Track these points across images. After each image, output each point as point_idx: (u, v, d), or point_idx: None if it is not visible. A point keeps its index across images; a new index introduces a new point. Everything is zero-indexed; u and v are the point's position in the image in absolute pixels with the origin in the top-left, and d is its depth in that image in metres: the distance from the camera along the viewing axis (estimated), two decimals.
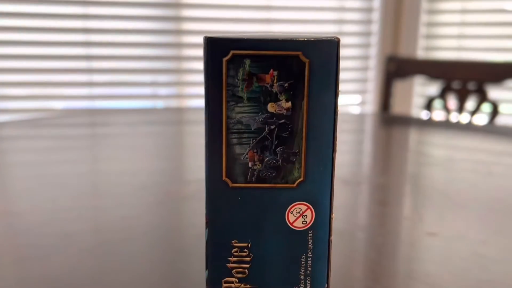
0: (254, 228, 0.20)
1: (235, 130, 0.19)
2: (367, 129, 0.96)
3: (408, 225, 0.42)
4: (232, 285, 0.20)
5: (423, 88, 1.73)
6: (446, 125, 1.00)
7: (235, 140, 0.19)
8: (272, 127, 0.19)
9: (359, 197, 0.51)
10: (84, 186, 0.51)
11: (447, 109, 1.25)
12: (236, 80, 0.18)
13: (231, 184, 0.19)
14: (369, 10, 1.72)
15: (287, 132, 0.19)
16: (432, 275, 0.32)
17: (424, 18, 1.69)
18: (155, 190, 0.50)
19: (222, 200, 0.20)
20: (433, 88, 1.42)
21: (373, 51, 1.74)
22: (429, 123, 1.01)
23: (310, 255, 0.20)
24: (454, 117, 1.23)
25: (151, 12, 1.52)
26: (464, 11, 1.66)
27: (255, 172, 0.19)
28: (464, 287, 0.31)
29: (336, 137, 0.19)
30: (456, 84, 1.23)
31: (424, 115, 1.28)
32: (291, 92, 0.18)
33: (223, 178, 0.19)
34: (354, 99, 1.80)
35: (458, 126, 0.98)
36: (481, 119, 1.22)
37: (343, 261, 0.34)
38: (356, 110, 1.79)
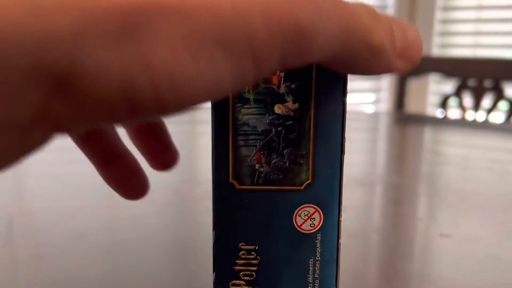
0: (262, 231, 0.19)
1: (241, 132, 0.19)
2: (381, 128, 0.96)
3: (422, 226, 0.41)
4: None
5: (438, 86, 1.71)
6: (461, 123, 0.99)
7: (242, 142, 0.19)
8: (279, 128, 0.18)
9: (372, 197, 0.50)
10: (96, 186, 0.52)
11: (462, 107, 1.24)
12: None
13: (238, 186, 0.19)
14: (383, 7, 1.71)
15: (294, 134, 0.18)
16: (445, 277, 0.32)
17: (439, 15, 1.67)
18: (167, 190, 0.50)
19: (229, 202, 0.19)
20: (449, 86, 1.40)
21: None
22: (444, 122, 1.00)
23: (319, 258, 0.20)
24: (470, 115, 1.22)
25: None
26: (479, 8, 1.64)
27: (262, 174, 0.19)
28: None
29: (345, 138, 0.19)
30: (472, 82, 1.21)
31: (439, 113, 1.27)
32: (298, 93, 0.18)
33: (230, 180, 0.19)
34: (368, 97, 1.79)
35: (474, 125, 0.97)
36: (497, 117, 1.20)
37: (356, 262, 0.34)
38: (370, 109, 1.78)
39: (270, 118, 0.18)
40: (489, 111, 1.19)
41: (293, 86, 0.18)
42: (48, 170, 0.59)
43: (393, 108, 1.30)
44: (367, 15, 0.15)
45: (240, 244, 0.20)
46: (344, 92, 0.18)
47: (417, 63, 0.17)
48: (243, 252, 0.20)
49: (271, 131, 0.19)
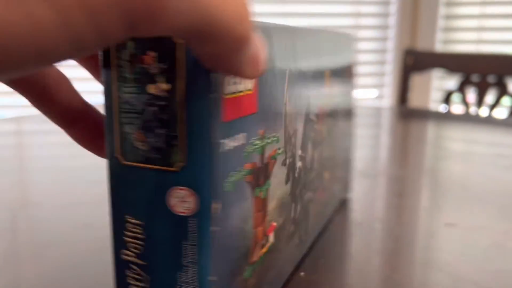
0: (145, 208, 0.20)
1: (123, 110, 0.19)
2: (385, 123, 0.96)
3: (426, 216, 0.41)
4: (129, 258, 0.21)
5: (441, 81, 1.70)
6: (464, 118, 0.99)
7: (124, 120, 0.19)
8: (154, 108, 0.19)
9: (376, 189, 0.50)
10: (100, 178, 0.52)
11: (466, 103, 1.24)
12: (122, 61, 0.19)
13: (122, 162, 0.20)
14: (386, 2, 1.71)
15: (167, 115, 0.18)
16: (451, 264, 0.32)
17: (442, 10, 1.67)
18: None
19: (117, 176, 0.20)
20: (451, 82, 1.40)
21: (391, 45, 1.73)
22: (447, 117, 1.00)
23: (193, 243, 0.19)
24: (473, 111, 1.22)
25: None
26: (483, 3, 1.63)
27: (142, 152, 0.19)
28: (483, 277, 0.31)
29: (218, 123, 0.18)
30: (475, 77, 1.21)
31: (442, 109, 1.27)
32: (169, 74, 0.18)
33: (116, 154, 0.20)
34: (372, 93, 1.79)
35: (477, 120, 0.97)
36: (501, 112, 1.20)
37: (361, 251, 0.34)
38: (373, 104, 1.78)
39: (146, 98, 0.19)
40: (492, 107, 1.19)
41: (164, 67, 0.18)
42: (52, 163, 0.59)
43: (396, 103, 1.30)
44: (240, 3, 0.14)
45: (126, 216, 0.20)
46: (211, 77, 0.18)
47: (256, 77, 0.17)
48: (131, 225, 0.20)
49: (147, 110, 0.19)
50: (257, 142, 0.22)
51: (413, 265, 0.32)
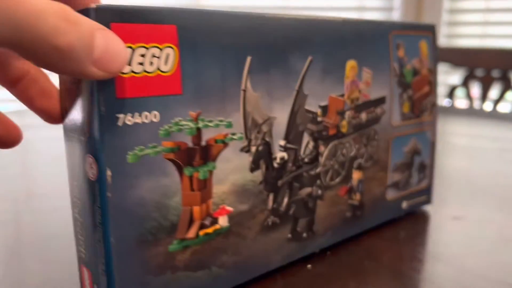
0: (78, 172, 0.23)
1: (65, 88, 0.23)
2: None
3: (433, 209, 0.41)
4: (76, 215, 0.24)
5: (445, 76, 1.69)
6: (469, 113, 0.99)
7: (67, 95, 0.23)
8: (74, 86, 0.22)
9: None
10: None
11: (470, 98, 1.23)
12: None
13: (67, 132, 0.23)
14: None
15: (79, 91, 0.21)
16: (457, 257, 0.32)
17: (446, 4, 1.66)
18: None
19: (66, 144, 0.24)
20: (456, 76, 1.40)
21: None
22: (452, 111, 1.00)
23: (99, 205, 0.21)
24: (477, 106, 1.21)
25: (170, 2, 1.52)
26: None
27: (73, 123, 0.23)
28: (490, 270, 0.30)
29: (110, 99, 0.20)
30: (479, 72, 1.20)
31: (446, 103, 1.27)
32: None
33: (64, 125, 0.24)
34: None
35: (481, 114, 0.96)
36: (505, 107, 1.20)
37: (367, 245, 0.34)
38: None
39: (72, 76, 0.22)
40: (497, 101, 1.19)
41: None
42: (57, 157, 0.59)
43: None
44: (56, 17, 0.16)
45: (72, 180, 0.24)
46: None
47: (115, 74, 0.19)
48: (74, 187, 0.23)
49: (71, 88, 0.22)
50: (185, 123, 0.23)
51: (420, 257, 0.32)
